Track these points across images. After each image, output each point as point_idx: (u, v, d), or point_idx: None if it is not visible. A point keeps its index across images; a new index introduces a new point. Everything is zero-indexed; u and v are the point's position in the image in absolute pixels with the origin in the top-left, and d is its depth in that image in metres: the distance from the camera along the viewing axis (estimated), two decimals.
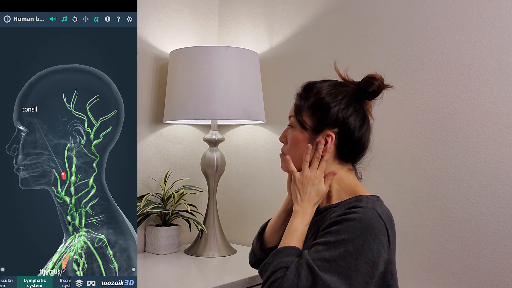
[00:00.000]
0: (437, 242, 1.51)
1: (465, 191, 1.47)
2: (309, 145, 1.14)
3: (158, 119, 1.90)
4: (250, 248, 1.37)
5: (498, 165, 1.41)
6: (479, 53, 1.45)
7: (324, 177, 1.15)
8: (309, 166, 1.15)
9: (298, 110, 1.18)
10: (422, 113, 1.55)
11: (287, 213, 1.27)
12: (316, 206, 1.16)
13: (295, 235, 1.10)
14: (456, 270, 1.48)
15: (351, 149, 1.16)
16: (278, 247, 1.11)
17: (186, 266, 1.66)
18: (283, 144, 1.23)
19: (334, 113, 1.13)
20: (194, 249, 1.80)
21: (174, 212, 1.83)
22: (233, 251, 1.83)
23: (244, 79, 1.73)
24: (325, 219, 1.12)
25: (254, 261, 1.35)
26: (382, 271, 1.05)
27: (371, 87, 1.14)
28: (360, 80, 1.18)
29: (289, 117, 1.22)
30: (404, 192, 1.58)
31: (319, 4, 1.80)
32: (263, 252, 1.31)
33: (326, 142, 1.14)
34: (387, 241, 1.05)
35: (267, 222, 1.34)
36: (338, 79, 1.21)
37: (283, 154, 1.22)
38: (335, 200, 1.16)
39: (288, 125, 1.22)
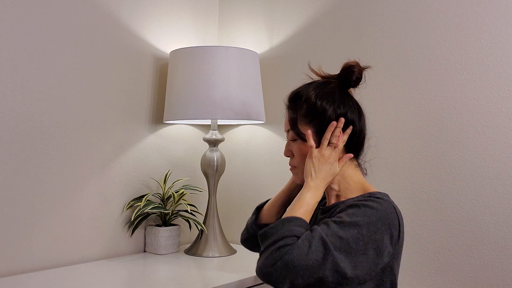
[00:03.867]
0: (437, 242, 1.51)
1: (465, 191, 1.47)
2: (334, 122, 1.13)
3: (158, 119, 1.90)
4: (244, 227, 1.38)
5: (498, 165, 1.41)
6: (479, 53, 1.45)
7: (338, 160, 1.14)
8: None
9: (293, 123, 1.17)
10: (422, 113, 1.55)
11: (289, 193, 1.28)
12: (327, 185, 1.14)
13: (306, 209, 1.09)
14: (456, 270, 1.48)
15: (356, 143, 1.17)
16: (287, 215, 1.08)
17: (186, 266, 1.66)
18: (289, 157, 1.23)
19: (332, 112, 1.13)
20: (194, 249, 1.80)
21: (174, 212, 1.83)
22: (233, 251, 1.83)
23: (244, 79, 1.73)
24: (335, 210, 1.11)
25: (246, 237, 1.36)
26: (384, 265, 1.05)
27: (353, 75, 1.15)
28: (335, 73, 1.20)
29: (287, 131, 1.21)
30: (404, 192, 1.58)
31: (319, 4, 1.80)
32: (257, 227, 1.31)
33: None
34: (397, 235, 1.06)
35: (265, 201, 1.35)
36: (315, 78, 1.22)
37: (293, 168, 1.21)
38: (343, 198, 1.16)
39: (290, 139, 1.20)
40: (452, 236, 1.49)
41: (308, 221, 1.08)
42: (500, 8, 1.42)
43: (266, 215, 1.32)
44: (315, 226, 1.03)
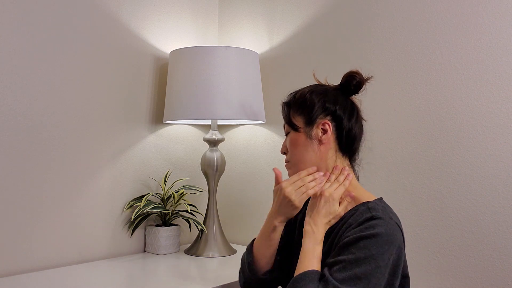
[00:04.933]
0: (437, 242, 1.51)
1: (465, 191, 1.47)
2: (338, 165, 1.15)
3: (158, 119, 1.90)
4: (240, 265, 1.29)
5: (498, 165, 1.41)
6: (479, 53, 1.45)
7: (340, 200, 1.13)
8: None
9: (287, 116, 1.20)
10: (422, 113, 1.55)
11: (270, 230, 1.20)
12: (329, 225, 1.11)
13: (310, 257, 1.06)
14: (456, 270, 1.48)
15: (345, 140, 1.17)
16: (296, 273, 1.05)
17: (186, 266, 1.66)
18: (285, 154, 1.24)
19: (321, 105, 1.16)
20: (194, 249, 1.80)
21: (174, 212, 1.83)
22: (233, 251, 1.83)
23: (244, 79, 1.73)
24: (337, 233, 1.10)
25: (244, 281, 1.26)
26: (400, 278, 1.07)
27: (353, 80, 1.17)
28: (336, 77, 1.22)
29: (284, 126, 1.23)
30: (404, 192, 1.57)
31: (319, 4, 1.80)
32: (256, 277, 1.23)
33: (325, 131, 1.15)
34: (403, 246, 1.07)
35: (252, 241, 1.28)
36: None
37: (287, 163, 1.22)
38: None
39: (285, 134, 1.23)
40: (452, 236, 1.49)
41: (319, 266, 1.05)
42: (500, 8, 1.42)
43: (264, 262, 1.23)
44: (328, 275, 1.00)
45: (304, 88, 1.21)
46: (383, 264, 1.00)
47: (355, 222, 1.07)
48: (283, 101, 1.23)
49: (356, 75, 1.17)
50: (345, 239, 1.04)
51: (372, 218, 1.05)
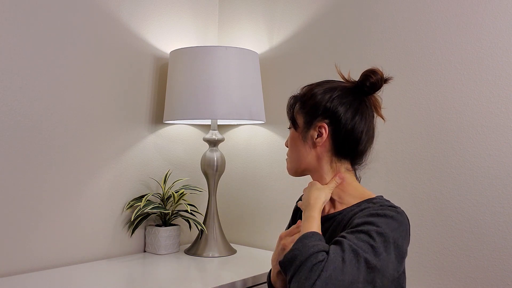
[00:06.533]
0: (437, 242, 1.51)
1: (465, 191, 1.47)
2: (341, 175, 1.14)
3: (158, 119, 1.90)
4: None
5: (498, 165, 1.41)
6: (479, 53, 1.45)
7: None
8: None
9: (291, 109, 1.18)
10: (422, 113, 1.55)
11: None
12: (319, 210, 1.10)
13: (315, 223, 1.05)
14: (456, 270, 1.48)
15: (345, 143, 1.12)
16: (302, 233, 1.03)
17: (186, 266, 1.66)
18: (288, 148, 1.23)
19: (322, 104, 1.11)
20: (194, 249, 1.80)
21: (174, 212, 1.83)
22: (233, 251, 1.83)
23: (244, 79, 1.73)
24: (342, 221, 1.09)
25: None
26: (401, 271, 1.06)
27: (368, 80, 1.11)
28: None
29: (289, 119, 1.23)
30: (404, 192, 1.58)
31: (319, 4, 1.80)
32: None
33: (320, 134, 1.12)
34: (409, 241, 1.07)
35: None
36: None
37: (287, 158, 1.22)
38: (339, 205, 1.14)
39: (288, 128, 1.22)
40: (452, 236, 1.49)
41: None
42: (500, 8, 1.42)
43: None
44: (341, 238, 0.99)
45: (316, 85, 1.17)
46: (392, 242, 0.99)
47: (363, 210, 1.06)
48: (293, 94, 1.20)
49: (372, 75, 1.10)
50: (354, 222, 1.03)
51: (381, 208, 1.05)
